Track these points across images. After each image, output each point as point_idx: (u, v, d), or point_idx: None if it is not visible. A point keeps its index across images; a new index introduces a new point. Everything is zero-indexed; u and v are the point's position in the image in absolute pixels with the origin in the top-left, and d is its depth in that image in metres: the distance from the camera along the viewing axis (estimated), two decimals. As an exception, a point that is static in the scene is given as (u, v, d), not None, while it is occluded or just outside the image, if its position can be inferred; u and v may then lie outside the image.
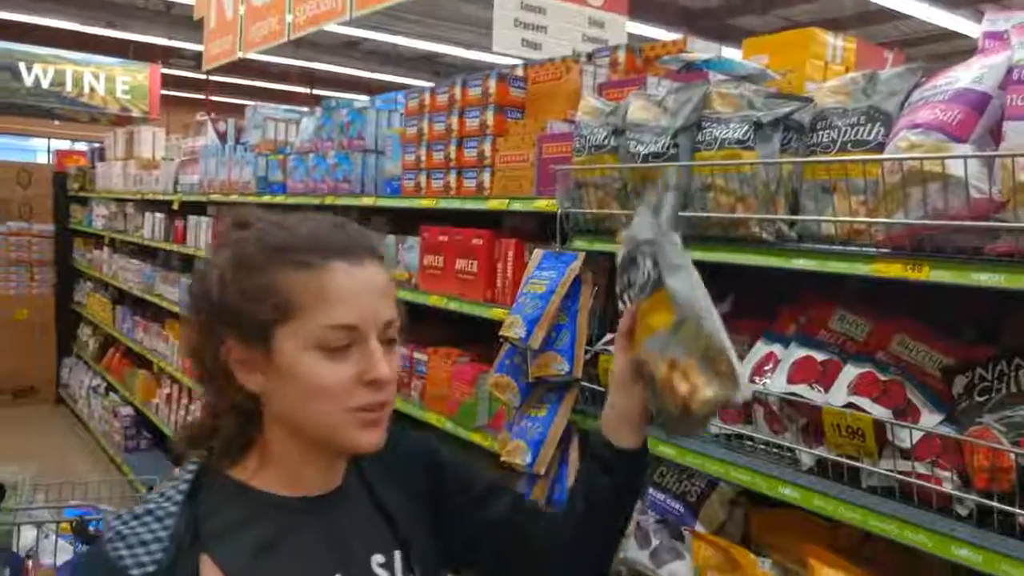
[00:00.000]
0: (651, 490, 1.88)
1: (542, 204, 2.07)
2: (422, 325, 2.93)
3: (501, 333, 1.88)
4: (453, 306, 2.45)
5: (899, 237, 1.32)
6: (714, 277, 2.06)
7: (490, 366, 2.37)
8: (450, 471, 1.18)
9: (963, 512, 1.34)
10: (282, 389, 0.96)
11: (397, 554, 1.05)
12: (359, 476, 1.09)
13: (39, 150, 16.17)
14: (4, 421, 6.72)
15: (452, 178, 2.51)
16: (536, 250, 2.03)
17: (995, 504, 1.26)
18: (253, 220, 1.00)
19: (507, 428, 2.04)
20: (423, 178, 2.65)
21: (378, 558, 1.03)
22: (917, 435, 1.36)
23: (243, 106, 4.86)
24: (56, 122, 12.00)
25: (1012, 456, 1.23)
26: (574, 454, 1.93)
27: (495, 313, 2.25)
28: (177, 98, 13.81)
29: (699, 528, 1.76)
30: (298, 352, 0.94)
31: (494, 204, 2.26)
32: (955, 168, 1.20)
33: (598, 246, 1.91)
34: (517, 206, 2.17)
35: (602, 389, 1.93)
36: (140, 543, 0.91)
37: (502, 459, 1.92)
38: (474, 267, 2.39)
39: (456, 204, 2.46)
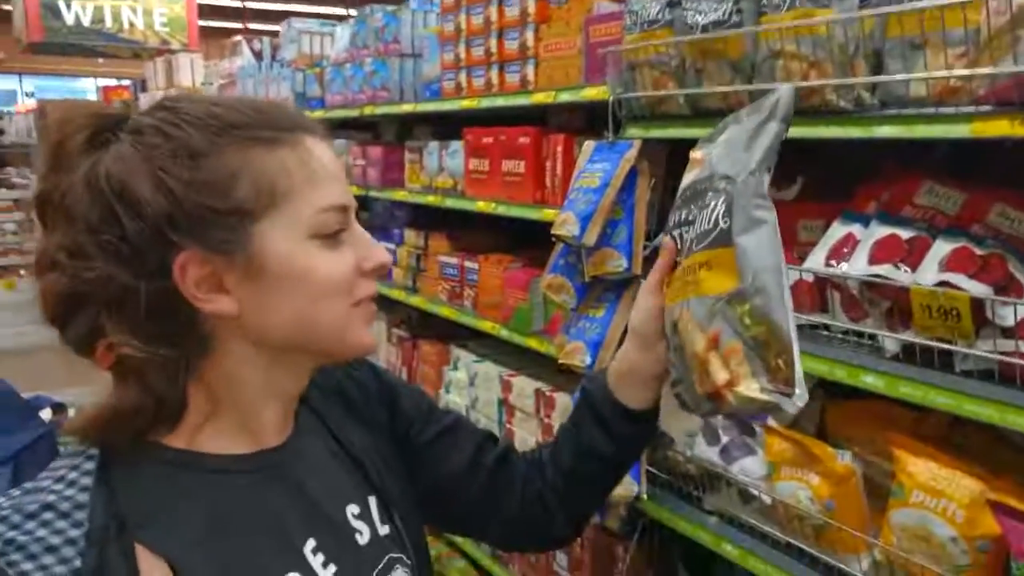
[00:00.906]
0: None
1: (592, 93, 1.92)
2: (470, 232, 2.85)
3: (553, 232, 1.77)
4: (501, 210, 2.35)
5: (1004, 90, 1.14)
6: (781, 158, 1.93)
7: (543, 270, 2.29)
8: (406, 400, 1.00)
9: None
10: (271, 299, 0.76)
11: (372, 500, 0.89)
12: (311, 414, 0.90)
13: (87, 91, 16.30)
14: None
15: (494, 74, 2.35)
16: (587, 142, 1.88)
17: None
18: (160, 107, 0.77)
19: (563, 331, 1.95)
20: (463, 77, 2.50)
21: (352, 508, 0.86)
22: (1023, 312, 1.23)
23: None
24: (100, 60, 12.01)
25: None
26: (636, 353, 1.83)
27: (546, 215, 2.14)
28: (215, 29, 13.63)
29: (771, 423, 1.67)
30: (293, 245, 0.76)
31: (539, 98, 2.11)
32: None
33: (655, 133, 1.76)
34: (565, 97, 2.02)
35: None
36: (46, 549, 0.68)
37: (560, 361, 1.84)
38: (521, 168, 2.27)
39: (500, 102, 2.31)
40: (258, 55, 4.58)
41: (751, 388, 0.79)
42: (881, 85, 1.36)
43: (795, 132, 1.46)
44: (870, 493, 1.53)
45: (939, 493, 1.35)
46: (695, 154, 0.98)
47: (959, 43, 1.23)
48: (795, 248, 1.71)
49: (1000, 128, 1.16)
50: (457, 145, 2.60)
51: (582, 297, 1.85)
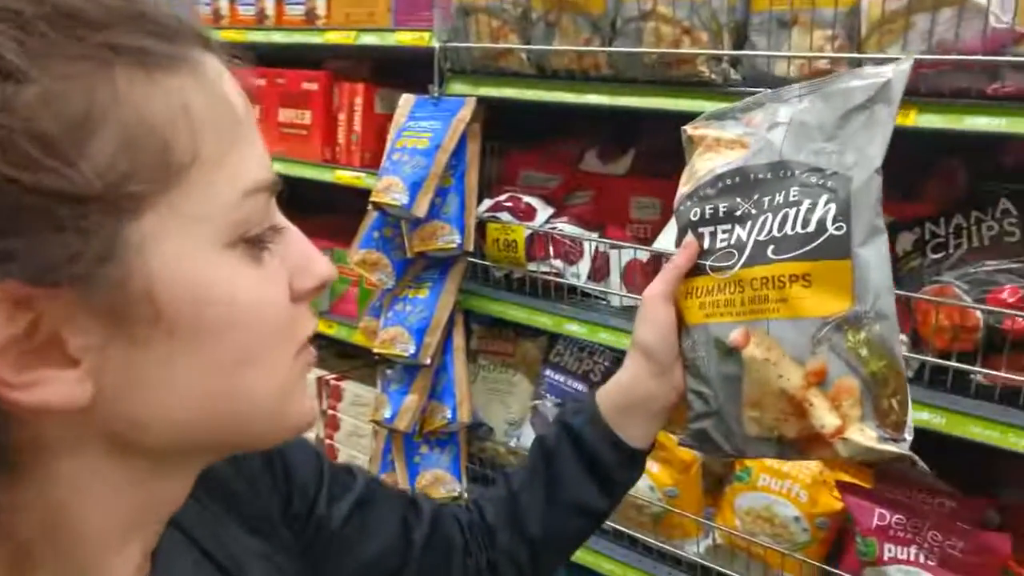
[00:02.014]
0: (548, 371, 1.66)
1: (406, 38, 1.64)
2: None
3: (373, 199, 1.48)
4: (277, 168, 1.94)
5: (887, 76, 1.13)
6: (612, 128, 1.84)
7: (331, 241, 1.97)
8: (301, 470, 0.69)
9: (909, 375, 1.27)
10: (160, 366, 0.42)
11: None
12: (171, 529, 0.53)
13: None
14: None
15: (269, 3, 1.94)
16: (404, 96, 1.61)
17: (953, 364, 1.19)
18: None
19: (372, 313, 1.68)
20: (224, 2, 2.03)
21: None
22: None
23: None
24: None
25: (978, 314, 1.15)
26: (459, 339, 1.63)
27: (339, 177, 1.83)
28: None
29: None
30: (200, 259, 0.42)
31: (335, 38, 1.77)
32: (978, -9, 1.02)
33: (488, 91, 1.55)
34: (369, 40, 1.71)
35: (489, 264, 1.64)
36: None
37: (375, 351, 1.58)
38: (306, 119, 1.91)
39: (277, 38, 1.92)
40: None
41: (867, 436, 0.64)
42: (746, 60, 1.30)
43: (656, 102, 1.38)
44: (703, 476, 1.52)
45: (783, 475, 1.37)
46: (714, 132, 0.77)
47: (829, 24, 1.21)
48: (628, 227, 1.63)
49: (877, 116, 1.15)
50: (213, 86, 2.12)
51: (400, 275, 1.59)
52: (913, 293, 1.23)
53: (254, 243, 0.44)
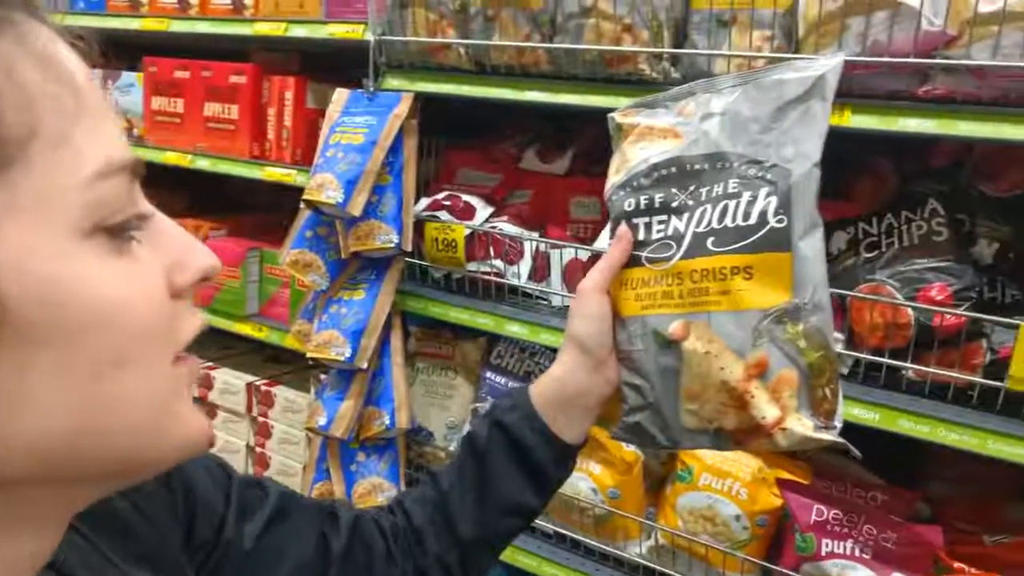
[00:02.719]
0: (488, 373, 1.64)
1: (339, 31, 1.58)
2: (152, 190, 2.28)
3: (306, 197, 1.43)
4: (203, 165, 1.88)
5: (823, 77, 1.15)
6: (553, 127, 1.82)
7: (261, 241, 1.90)
8: (205, 490, 0.64)
9: (843, 371, 1.30)
10: (6, 380, 0.36)
11: None
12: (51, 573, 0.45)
13: None
14: None
15: (193, -9, 1.85)
16: (338, 90, 1.56)
17: (886, 360, 1.22)
18: None
19: (305, 316, 1.62)
20: (144, -11, 1.93)
21: None
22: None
23: None
24: None
25: (910, 311, 1.18)
26: (397, 342, 1.59)
27: (269, 174, 1.76)
28: None
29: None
30: (49, 253, 0.37)
31: (264, 29, 1.70)
32: (911, -6, 1.04)
33: (425, 86, 1.51)
34: (300, 32, 1.65)
35: (428, 264, 1.60)
36: None
37: (309, 355, 1.52)
38: (233, 113, 1.83)
39: (202, 28, 1.83)
40: None
41: (804, 425, 0.65)
42: (685, 59, 1.30)
43: (596, 101, 1.37)
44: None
45: (724, 474, 1.37)
46: (645, 120, 0.76)
47: (768, 25, 1.22)
48: (568, 226, 1.62)
49: (814, 116, 1.16)
50: (133, 78, 2.02)
51: (334, 276, 1.54)
52: (848, 291, 1.25)
53: (116, 232, 0.39)
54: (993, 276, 1.20)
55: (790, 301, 0.65)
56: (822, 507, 1.26)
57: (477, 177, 1.70)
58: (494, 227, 1.56)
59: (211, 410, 2.06)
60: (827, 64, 0.68)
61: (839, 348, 1.26)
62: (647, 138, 0.75)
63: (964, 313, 1.14)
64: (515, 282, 1.55)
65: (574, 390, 0.74)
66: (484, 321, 1.53)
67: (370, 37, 1.52)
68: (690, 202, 0.71)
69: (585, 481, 1.49)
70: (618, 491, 1.46)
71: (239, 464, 2.03)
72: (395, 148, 1.48)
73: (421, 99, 1.54)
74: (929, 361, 1.18)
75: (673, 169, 0.72)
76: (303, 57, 1.97)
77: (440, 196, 1.62)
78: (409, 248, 1.50)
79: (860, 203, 1.40)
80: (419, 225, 1.56)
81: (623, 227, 0.74)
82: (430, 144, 1.74)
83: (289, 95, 1.75)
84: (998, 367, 1.13)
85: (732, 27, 1.25)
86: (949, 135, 1.08)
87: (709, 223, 0.69)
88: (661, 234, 0.72)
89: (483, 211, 1.60)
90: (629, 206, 0.74)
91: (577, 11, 1.30)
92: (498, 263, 1.55)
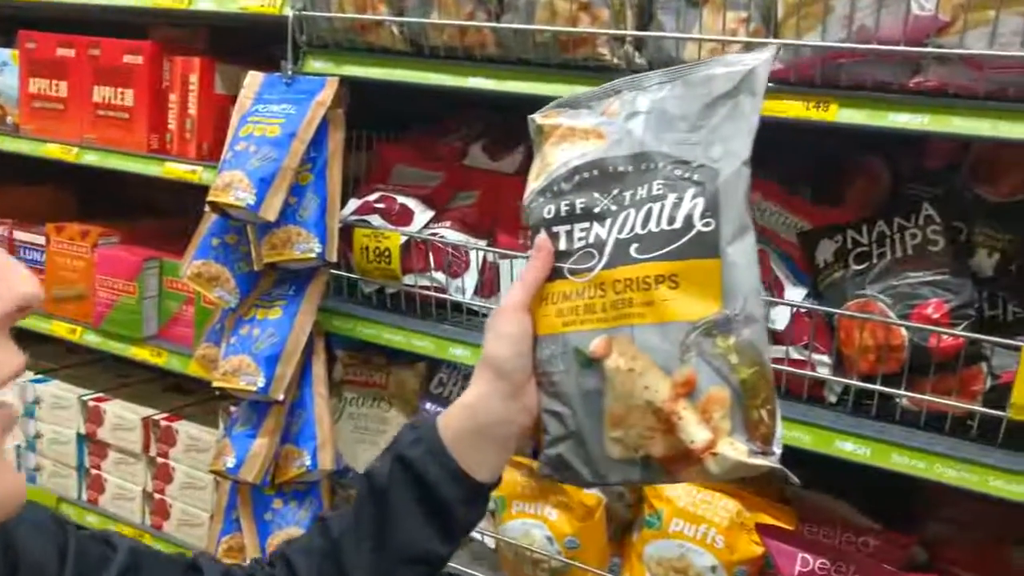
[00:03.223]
0: (428, 404, 1.62)
1: (252, 4, 1.56)
2: (29, 189, 2.23)
3: (211, 199, 1.40)
4: (91, 159, 1.84)
5: (805, 67, 1.17)
6: (517, 117, 1.81)
7: (160, 250, 1.87)
8: (34, 554, 0.63)
9: (832, 399, 1.32)
10: None
11: None
12: None
13: None
14: None
15: (80, -45, 1.81)
16: (251, 73, 1.54)
17: (877, 387, 1.24)
18: None
19: (211, 338, 1.59)
20: (21, -47, 1.89)
21: None
22: (784, 316, 1.29)
23: None
24: None
25: (903, 332, 1.20)
26: (320, 369, 1.56)
27: (169, 170, 1.73)
28: None
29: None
30: None
31: (164, 2, 1.67)
32: (898, -25, 1.06)
33: (353, 70, 1.50)
34: (205, 5, 1.62)
35: (357, 277, 1.58)
36: None
37: (215, 384, 1.48)
38: (128, 99, 1.80)
39: (89, -2, 1.79)
40: None
41: (737, 450, 0.67)
42: (651, 43, 1.31)
43: (551, 89, 1.37)
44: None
45: (698, 519, 1.38)
46: (567, 121, 0.79)
47: (743, 6, 1.24)
48: (521, 233, 1.61)
49: (795, 110, 1.19)
50: (5, 55, 1.98)
51: (246, 292, 1.51)
52: (836, 309, 1.27)
53: None
54: (993, 291, 1.23)
55: (720, 312, 0.67)
56: (807, 556, 1.27)
57: (415, 176, 1.69)
58: (434, 234, 1.54)
59: (101, 449, 2.01)
60: (757, 58, 0.72)
61: (826, 372, 1.28)
62: (569, 140, 0.77)
63: (963, 334, 1.16)
64: (459, 298, 1.54)
65: (488, 420, 0.74)
66: (423, 344, 1.51)
67: (288, 12, 1.50)
68: (613, 207, 0.73)
69: (539, 529, 1.48)
70: (577, 540, 1.46)
71: (134, 513, 1.98)
72: (318, 142, 1.46)
73: (349, 85, 1.53)
74: (925, 388, 1.20)
75: (595, 172, 0.74)
76: (212, 34, 1.94)
77: (372, 198, 1.60)
78: (334, 259, 1.48)
79: (849, 208, 1.42)
80: (346, 232, 1.54)
81: (542, 236, 0.75)
82: (360, 137, 1.72)
83: (194, 78, 1.72)
84: (1000, 394, 1.16)
85: (703, 7, 1.26)
86: (943, 132, 1.11)
87: (632, 229, 0.71)
88: (583, 243, 0.73)
89: (422, 215, 1.58)
90: (549, 213, 0.75)
91: (528, -14, 1.30)
92: (439, 276, 1.53)
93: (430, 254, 1.53)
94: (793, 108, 1.19)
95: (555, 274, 0.75)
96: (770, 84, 1.20)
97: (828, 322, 1.31)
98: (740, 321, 0.67)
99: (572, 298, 0.73)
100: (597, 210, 0.73)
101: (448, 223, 1.58)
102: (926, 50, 1.08)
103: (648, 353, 0.69)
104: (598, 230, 0.73)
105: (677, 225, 0.69)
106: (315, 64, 1.53)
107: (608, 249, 0.72)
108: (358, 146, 1.71)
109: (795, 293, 1.34)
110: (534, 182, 0.78)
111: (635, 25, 1.32)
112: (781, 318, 1.29)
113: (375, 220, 1.55)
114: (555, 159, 0.77)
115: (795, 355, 1.29)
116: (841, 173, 1.49)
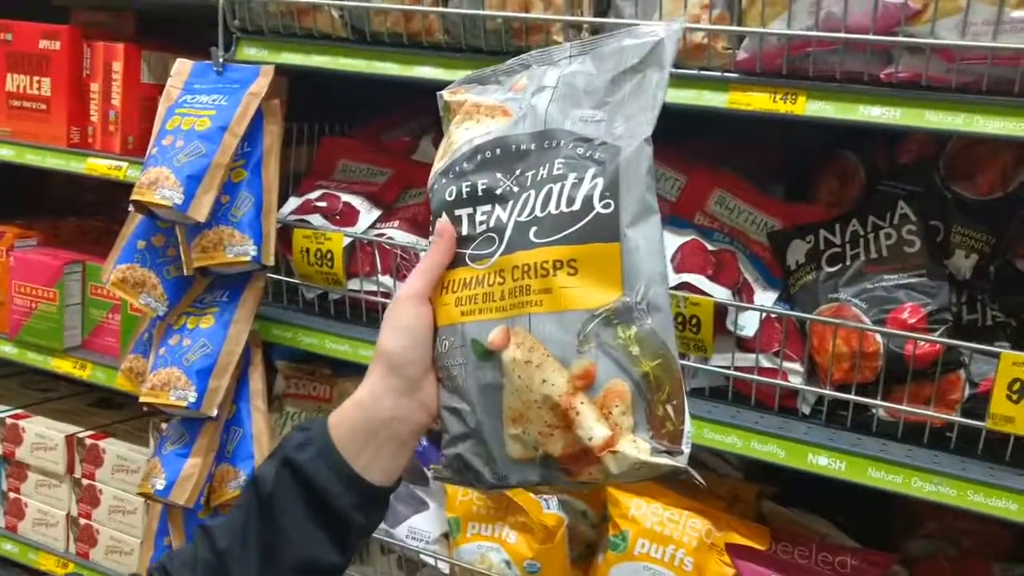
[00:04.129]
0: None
1: (180, -15, 1.55)
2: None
3: (135, 197, 1.39)
4: (5, 154, 1.82)
5: (771, 56, 1.18)
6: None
7: (76, 253, 1.85)
8: None
9: (806, 411, 1.33)
10: None
11: None
12: None
13: None
14: None
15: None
16: (179, 61, 1.53)
17: (851, 397, 1.26)
18: None
19: (139, 349, 1.58)
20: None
21: None
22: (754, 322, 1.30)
23: None
24: None
25: (878, 338, 1.22)
26: (258, 382, 1.56)
27: (92, 167, 1.72)
28: None
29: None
30: None
31: (84, -19, 1.65)
32: (866, -40, 1.08)
33: (290, 58, 1.50)
34: (130, -14, 1.61)
35: (298, 282, 1.58)
36: None
37: (142, 399, 1.47)
38: (45, 88, 1.78)
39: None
40: None
41: (640, 448, 0.67)
42: (610, 30, 1.31)
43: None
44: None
45: (666, 540, 1.39)
46: (474, 98, 0.80)
47: (706, -9, 1.25)
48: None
49: (762, 103, 1.20)
50: (-90, 39, 1.94)
51: (175, 299, 1.50)
52: (808, 314, 1.29)
53: None
54: (972, 293, 1.26)
55: (620, 299, 0.67)
56: (780, 577, 1.28)
57: (361, 171, 1.69)
58: (381, 234, 1.54)
59: (20, 471, 1.98)
60: (667, 29, 0.73)
61: (798, 382, 1.30)
62: (473, 117, 0.78)
63: (940, 340, 1.18)
64: (408, 304, 1.53)
65: (382, 418, 0.74)
66: (370, 354, 1.51)
67: (220, -5, 1.49)
68: (515, 188, 0.73)
69: (497, 552, 1.48)
70: (538, 564, 1.46)
71: (58, 540, 1.95)
72: (252, 135, 1.46)
73: (287, 74, 1.52)
74: (901, 397, 1.22)
75: (498, 151, 0.74)
76: (139, 18, 1.92)
77: (313, 196, 1.60)
78: (271, 262, 1.47)
79: (821, 206, 1.44)
80: (285, 233, 1.53)
81: (443, 220, 0.75)
82: (301, 130, 1.72)
83: (118, 66, 1.71)
84: (978, 403, 1.18)
85: (665, -9, 1.27)
86: (916, 126, 1.13)
87: (532, 211, 0.71)
88: (484, 226, 0.73)
89: (368, 214, 1.58)
90: (450, 195, 0.75)
91: (477, -32, 1.30)
92: (387, 280, 1.53)
93: (377, 256, 1.52)
94: (759, 100, 1.20)
95: (456, 260, 0.75)
96: (735, 75, 1.23)
97: (800, 328, 1.33)
98: (642, 310, 0.67)
99: (472, 286, 0.73)
100: (499, 191, 0.73)
101: (396, 223, 1.58)
102: (894, 39, 1.10)
103: (545, 343, 0.69)
104: (499, 213, 0.73)
105: (576, 207, 0.69)
106: (249, 51, 1.53)
107: (508, 233, 0.72)
108: (300, 140, 1.71)
109: (765, 297, 1.36)
110: (438, 162, 0.78)
111: (592, 11, 1.33)
112: (751, 324, 1.30)
113: (316, 220, 1.54)
114: (459, 138, 0.77)
115: (766, 363, 1.31)
116: (814, 168, 1.51)
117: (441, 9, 1.35)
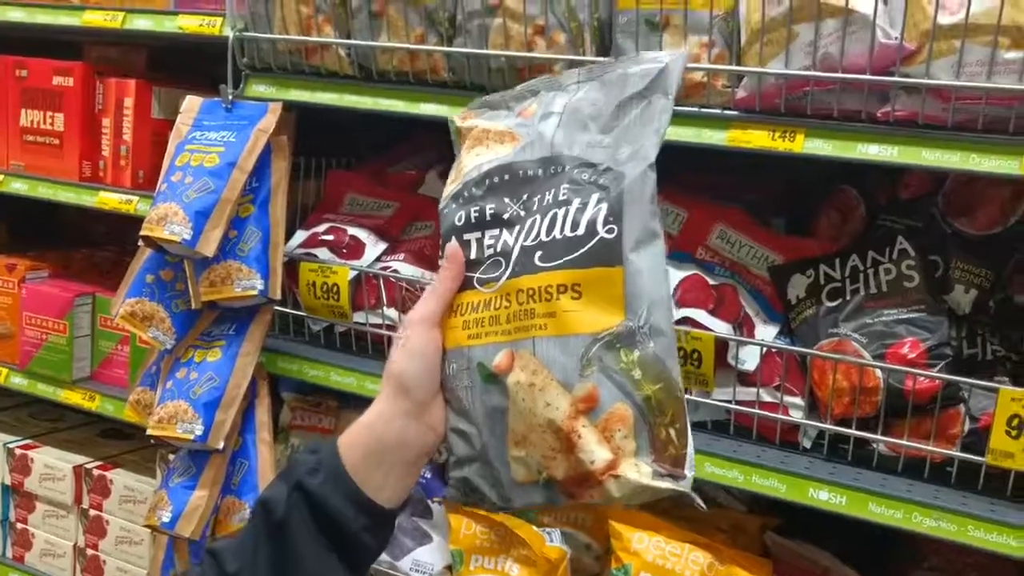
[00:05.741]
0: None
1: (190, 24, 1.59)
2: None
3: (145, 233, 1.41)
4: (18, 187, 1.85)
5: (770, 95, 1.20)
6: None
7: (87, 285, 1.88)
8: None
9: (807, 444, 1.34)
10: None
11: None
12: None
13: None
14: None
15: (7, -30, 1.83)
16: (188, 98, 1.56)
17: (853, 432, 1.27)
18: None
19: (146, 381, 1.60)
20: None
21: None
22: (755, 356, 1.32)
23: None
24: None
25: (878, 373, 1.23)
26: (264, 414, 1.57)
27: (103, 200, 1.75)
28: None
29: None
30: None
31: (96, 20, 1.69)
32: (862, 2, 1.10)
33: (299, 95, 1.53)
34: (142, 25, 1.65)
35: (304, 315, 1.60)
36: None
37: (150, 432, 1.49)
38: (58, 124, 1.82)
39: (17, 16, 1.81)
40: None
41: (641, 472, 0.68)
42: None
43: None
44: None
45: (668, 573, 1.39)
46: (484, 123, 0.82)
47: (705, 30, 1.27)
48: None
49: (760, 140, 1.22)
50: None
51: (184, 332, 1.52)
52: (809, 349, 1.30)
53: None
54: (972, 328, 1.27)
55: (623, 323, 0.69)
56: (783, 611, 1.29)
57: (368, 205, 1.72)
58: (387, 267, 1.56)
59: (28, 501, 2.00)
60: (672, 56, 0.75)
61: (799, 416, 1.31)
62: (484, 143, 0.80)
63: (940, 376, 1.19)
64: (413, 336, 1.55)
65: (391, 440, 0.75)
66: (375, 387, 1.53)
67: (229, 33, 1.52)
68: (522, 213, 0.75)
69: (501, 586, 1.49)
70: (541, 597, 1.47)
71: (64, 571, 1.97)
72: (260, 171, 1.48)
73: (295, 111, 1.55)
74: (902, 432, 1.23)
75: (506, 176, 0.77)
76: (152, 55, 1.96)
77: (320, 229, 1.62)
78: (278, 296, 1.50)
79: (822, 241, 1.46)
80: (292, 267, 1.56)
81: (453, 245, 0.77)
82: (308, 164, 1.74)
83: (129, 102, 1.74)
84: (979, 438, 1.19)
85: (664, 31, 1.30)
86: (913, 164, 1.15)
87: (538, 235, 0.73)
88: (492, 251, 0.75)
89: (374, 248, 1.61)
90: (460, 220, 0.77)
91: (480, 8, 1.33)
92: (392, 313, 1.55)
93: (383, 289, 1.54)
94: (758, 138, 1.22)
95: (465, 284, 0.76)
96: (734, 113, 1.25)
97: (801, 362, 1.34)
98: (645, 334, 0.68)
99: (479, 310, 0.74)
100: (506, 216, 0.75)
101: (402, 256, 1.60)
102: (890, 79, 1.12)
103: (549, 367, 0.70)
104: (506, 237, 0.74)
105: (580, 231, 0.71)
106: (258, 88, 1.56)
107: (514, 257, 0.73)
108: (308, 174, 1.74)
109: (766, 331, 1.37)
110: (449, 186, 0.80)
111: (595, 49, 1.35)
112: (752, 358, 1.32)
113: (323, 253, 1.57)
114: (469, 163, 0.79)
115: (767, 397, 1.32)
116: (815, 202, 1.53)
117: (445, 48, 1.38)
